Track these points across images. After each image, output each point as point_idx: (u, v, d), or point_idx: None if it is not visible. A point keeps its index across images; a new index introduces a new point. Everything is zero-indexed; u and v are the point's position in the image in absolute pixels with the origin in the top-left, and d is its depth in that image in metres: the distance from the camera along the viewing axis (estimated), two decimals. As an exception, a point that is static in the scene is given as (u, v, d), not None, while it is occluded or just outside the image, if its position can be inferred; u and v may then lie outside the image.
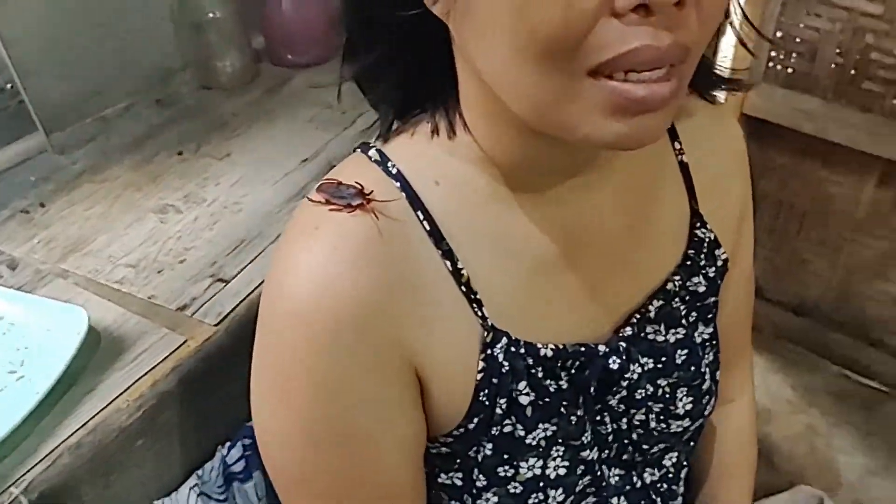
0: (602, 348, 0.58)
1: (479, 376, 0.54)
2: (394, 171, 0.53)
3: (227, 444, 0.73)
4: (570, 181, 0.55)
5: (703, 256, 0.63)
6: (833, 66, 1.45)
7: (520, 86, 0.44)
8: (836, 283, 1.62)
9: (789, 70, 1.51)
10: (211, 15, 1.03)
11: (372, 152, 0.55)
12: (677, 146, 0.62)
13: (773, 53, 1.53)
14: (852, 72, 1.43)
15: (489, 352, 0.53)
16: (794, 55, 1.49)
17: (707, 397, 0.63)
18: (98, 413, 0.63)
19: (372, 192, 0.52)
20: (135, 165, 0.92)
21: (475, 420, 0.55)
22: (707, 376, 0.63)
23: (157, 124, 1.00)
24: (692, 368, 0.61)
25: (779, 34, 1.49)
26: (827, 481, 1.39)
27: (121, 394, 0.65)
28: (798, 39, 1.47)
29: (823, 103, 1.47)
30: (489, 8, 0.42)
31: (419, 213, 0.52)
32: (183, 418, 0.69)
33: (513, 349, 0.54)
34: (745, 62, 1.50)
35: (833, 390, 1.57)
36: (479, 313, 0.53)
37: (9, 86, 0.89)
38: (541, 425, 0.56)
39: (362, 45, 0.53)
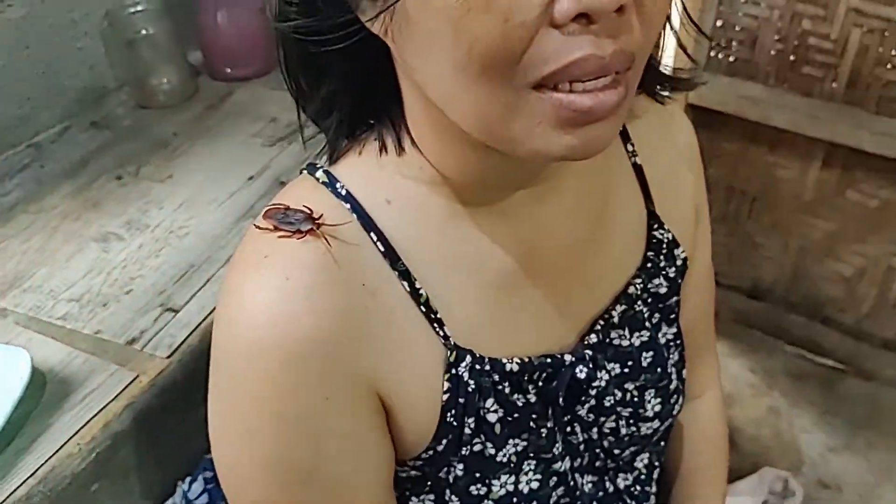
0: (568, 358, 0.57)
1: (445, 397, 0.52)
2: (343, 192, 0.52)
3: (188, 478, 0.70)
4: (523, 193, 0.54)
5: (662, 257, 0.62)
6: (773, 52, 1.47)
7: (464, 103, 0.43)
8: (789, 264, 1.65)
9: (731, 58, 1.52)
10: (143, 31, 0.99)
11: (319, 174, 0.53)
12: (630, 148, 0.62)
13: (714, 42, 1.54)
14: (792, 57, 1.45)
15: (453, 371, 0.52)
16: (735, 43, 1.51)
17: (675, 397, 0.63)
18: (48, 460, 0.60)
19: (322, 215, 0.50)
20: (72, 193, 0.89)
21: (444, 441, 0.53)
22: (674, 376, 0.63)
23: (94, 148, 0.97)
24: (658, 370, 0.61)
25: (719, 23, 1.50)
26: (790, 460, 1.41)
27: (71, 437, 0.62)
28: (738, 28, 1.49)
29: (766, 89, 1.49)
30: (427, 25, 0.40)
31: (372, 234, 0.51)
32: (140, 457, 0.66)
33: (477, 367, 0.53)
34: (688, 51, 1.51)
35: (792, 371, 1.59)
36: (441, 333, 0.52)
37: (-69, 117, 0.85)
38: (511, 441, 0.55)
39: (310, 85, 0.51)
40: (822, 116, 1.41)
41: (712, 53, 1.55)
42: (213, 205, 0.86)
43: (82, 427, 0.63)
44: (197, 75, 1.10)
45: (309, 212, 0.50)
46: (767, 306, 1.69)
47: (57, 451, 0.61)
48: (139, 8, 0.99)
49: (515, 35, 0.38)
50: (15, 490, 0.58)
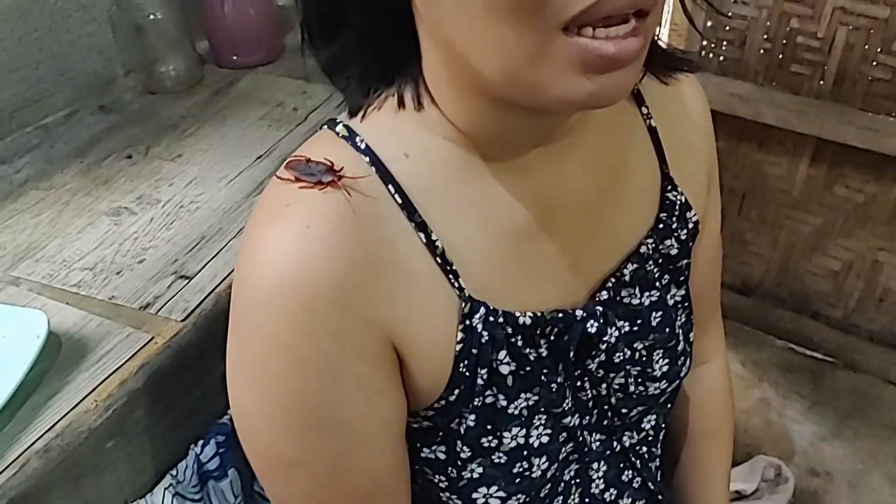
0: (580, 313, 0.58)
1: (459, 347, 0.53)
2: (362, 146, 0.53)
3: (201, 441, 0.71)
4: (539, 150, 0.55)
5: (674, 219, 0.63)
6: (762, 51, 1.51)
7: (492, 47, 0.44)
8: (778, 260, 1.68)
9: (721, 58, 1.56)
10: (151, 17, 1.01)
11: (339, 128, 0.54)
12: (644, 111, 0.63)
13: (704, 42, 1.58)
14: (780, 56, 1.49)
15: (468, 322, 0.53)
16: (724, 43, 1.55)
17: (682, 358, 0.64)
18: (65, 415, 0.61)
19: (342, 168, 0.51)
20: (82, 171, 0.90)
21: (456, 392, 0.54)
22: (681, 338, 0.64)
23: (103, 130, 0.98)
24: (667, 330, 0.62)
25: (709, 23, 1.54)
26: (782, 450, 1.44)
27: (88, 394, 0.63)
28: (728, 27, 1.53)
29: (755, 87, 1.53)
30: None
31: (390, 186, 0.52)
32: (154, 417, 0.67)
33: (491, 319, 0.54)
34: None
35: (781, 364, 1.62)
36: (456, 284, 0.53)
37: (-55, 93, 0.86)
38: (523, 394, 0.56)
39: (325, 36, 0.53)
40: (809, 113, 1.45)
41: (703, 53, 1.59)
42: (223, 182, 0.88)
43: (98, 385, 0.64)
44: (203, 62, 1.12)
45: (330, 164, 0.52)
46: (757, 301, 1.72)
47: (74, 407, 0.62)
48: (147, -7, 1.01)
49: None
50: (34, 443, 0.59)
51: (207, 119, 1.00)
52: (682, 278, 0.65)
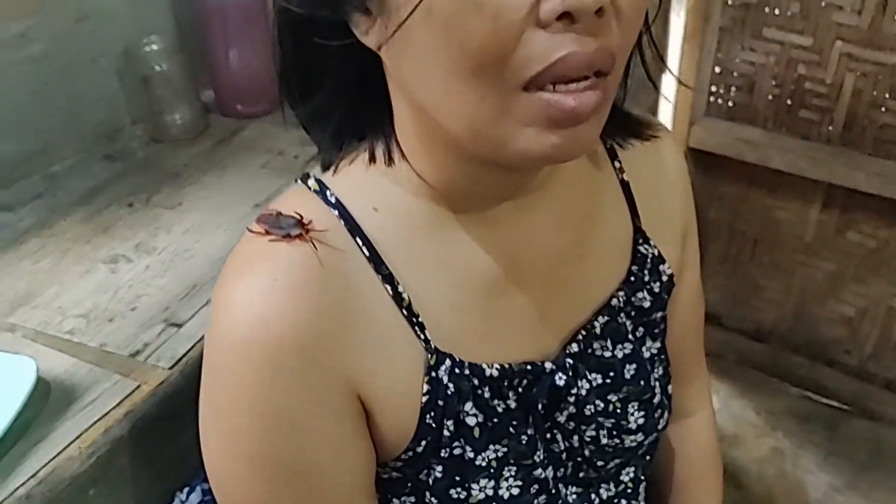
0: (549, 366, 0.58)
1: (425, 399, 0.54)
2: (332, 199, 0.54)
3: (186, 489, 0.71)
4: (509, 203, 0.56)
5: (646, 272, 0.64)
6: (770, 97, 1.51)
7: (456, 106, 0.45)
8: (791, 306, 1.65)
9: (730, 103, 1.56)
10: (158, 69, 1.04)
11: (311, 182, 0.56)
12: (617, 165, 0.64)
13: (713, 88, 1.58)
14: (788, 101, 1.49)
15: (433, 374, 0.54)
16: (733, 88, 1.55)
17: (659, 411, 0.64)
18: (48, 462, 0.62)
19: (311, 221, 0.53)
20: (84, 219, 0.92)
21: (423, 443, 0.55)
22: (658, 390, 0.64)
23: (107, 179, 1.00)
24: (641, 383, 0.62)
25: (717, 69, 1.55)
26: (795, 501, 1.40)
27: (72, 441, 0.64)
28: (736, 73, 1.53)
29: (764, 133, 1.52)
30: (423, 32, 0.43)
31: (358, 239, 0.53)
32: (138, 465, 0.68)
33: (457, 370, 0.54)
34: (687, 97, 1.55)
35: (796, 412, 1.59)
36: (422, 336, 0.54)
37: (-47, 145, 0.89)
38: (491, 446, 0.56)
39: (303, 92, 0.55)
40: (819, 158, 1.44)
41: (711, 98, 1.59)
42: (219, 230, 0.89)
43: (83, 432, 0.64)
44: (208, 112, 1.14)
45: (299, 217, 0.53)
46: (771, 347, 1.69)
47: (57, 454, 0.63)
48: (154, 46, 1.04)
49: (505, 34, 0.41)
50: (15, 490, 0.60)
51: (210, 167, 1.02)
52: (656, 331, 0.65)
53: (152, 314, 0.77)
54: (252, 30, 1.08)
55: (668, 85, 1.59)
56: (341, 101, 0.54)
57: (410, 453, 0.55)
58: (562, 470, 0.62)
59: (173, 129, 1.08)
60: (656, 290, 0.64)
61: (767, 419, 1.57)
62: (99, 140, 1.07)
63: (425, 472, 0.56)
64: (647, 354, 0.64)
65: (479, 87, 0.43)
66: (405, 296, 0.53)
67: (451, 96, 0.45)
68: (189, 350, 0.72)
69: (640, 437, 0.63)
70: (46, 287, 0.81)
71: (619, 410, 0.61)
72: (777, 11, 1.41)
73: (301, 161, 1.02)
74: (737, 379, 1.64)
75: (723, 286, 1.71)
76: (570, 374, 0.59)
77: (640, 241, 0.64)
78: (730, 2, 1.45)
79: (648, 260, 0.64)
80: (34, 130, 0.99)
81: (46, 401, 0.67)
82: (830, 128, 1.46)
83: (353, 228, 0.53)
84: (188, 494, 0.71)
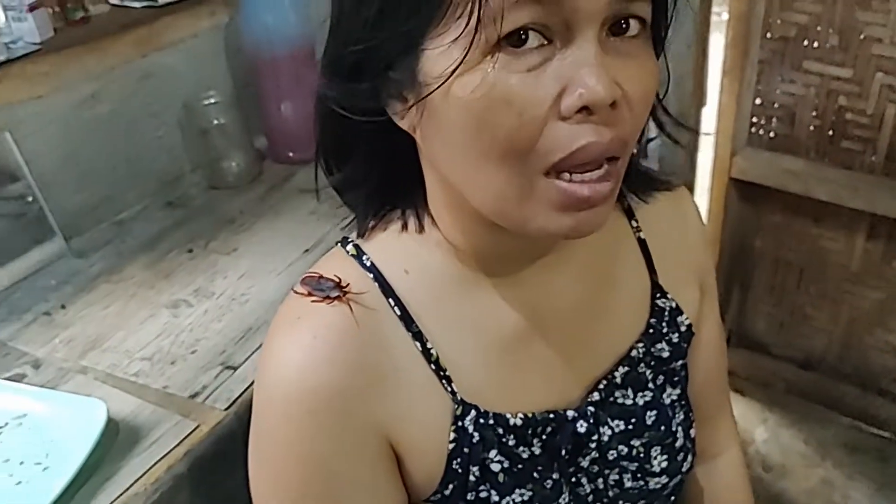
0: (571, 414, 0.62)
1: (451, 446, 0.58)
2: (368, 263, 0.59)
3: (241, 523, 0.76)
4: (531, 265, 0.60)
5: (665, 324, 0.67)
6: (812, 128, 1.51)
7: (484, 186, 0.50)
8: (839, 335, 1.64)
9: (771, 134, 1.57)
10: (216, 122, 1.11)
11: (350, 247, 0.61)
12: (634, 224, 0.68)
13: (755, 119, 1.60)
14: (830, 132, 1.49)
15: (459, 424, 0.58)
16: (774, 119, 1.56)
17: (682, 454, 0.67)
18: (117, 498, 0.68)
19: (348, 284, 0.58)
20: (148, 264, 0.99)
21: (450, 486, 0.59)
22: (679, 434, 0.66)
23: (169, 225, 1.07)
24: (662, 428, 0.65)
25: (758, 101, 1.56)
26: (844, 535, 1.39)
27: (138, 478, 0.69)
28: (776, 105, 1.54)
29: (807, 163, 1.53)
30: (453, 119, 0.48)
31: (391, 300, 0.58)
32: (197, 500, 0.73)
33: (482, 420, 0.58)
34: (728, 127, 1.57)
35: (846, 442, 1.57)
36: (449, 388, 0.58)
37: (29, 197, 0.97)
38: (517, 490, 0.59)
39: (338, 161, 0.59)
40: (861, 188, 1.44)
41: (752, 130, 1.60)
42: (272, 274, 0.95)
43: (148, 470, 0.70)
44: (262, 159, 1.21)
45: (338, 280, 0.58)
46: (819, 376, 1.68)
47: (125, 490, 0.68)
48: (212, 100, 1.11)
49: (529, 126, 0.46)
50: (87, 525, 0.66)
51: (263, 213, 1.08)
52: (676, 378, 0.67)
53: (210, 357, 0.83)
54: (301, 81, 1.15)
55: (709, 117, 1.61)
56: (373, 171, 0.59)
57: (438, 496, 0.59)
58: None
59: (229, 175, 1.15)
60: (675, 340, 0.67)
61: (817, 449, 1.56)
62: (161, 188, 1.15)
63: None
64: (667, 401, 0.67)
65: (505, 171, 0.48)
66: (433, 351, 0.58)
67: (479, 178, 0.50)
68: (243, 392, 0.78)
69: (664, 479, 0.66)
70: (115, 331, 0.88)
71: (642, 455, 0.64)
72: (816, 44, 1.42)
73: (346, 209, 1.07)
74: (785, 408, 1.64)
75: (770, 315, 1.71)
76: (592, 421, 0.62)
77: (658, 294, 0.67)
78: (769, 35, 1.46)
79: (666, 312, 0.67)
80: (103, 181, 1.07)
81: (115, 440, 0.73)
82: (873, 158, 1.45)
83: (387, 290, 0.58)
84: (243, 527, 0.76)
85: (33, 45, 0.98)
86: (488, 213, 0.52)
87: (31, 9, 0.97)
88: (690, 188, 1.68)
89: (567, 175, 0.48)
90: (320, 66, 0.55)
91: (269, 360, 0.56)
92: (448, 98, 0.47)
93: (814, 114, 1.50)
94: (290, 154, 1.19)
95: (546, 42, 0.45)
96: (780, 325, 1.71)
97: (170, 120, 1.14)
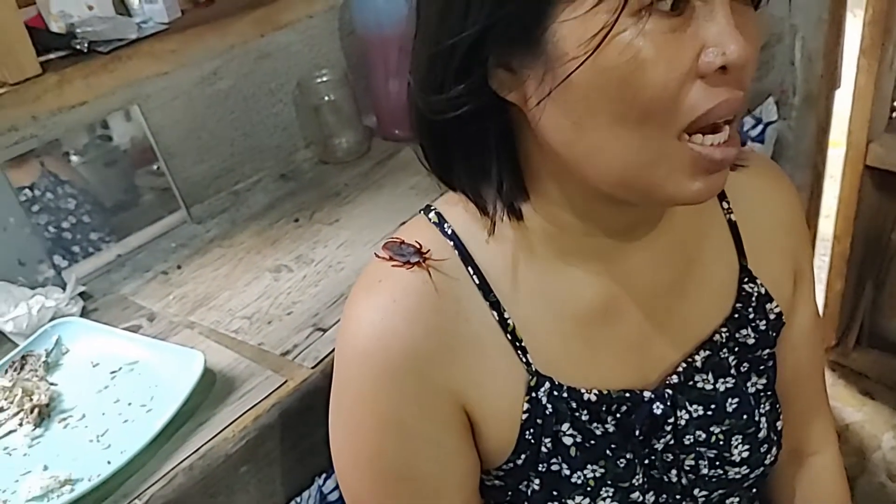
0: (647, 394, 0.61)
1: (524, 416, 0.59)
2: (449, 231, 0.60)
3: (324, 474, 0.80)
4: (615, 240, 0.60)
5: (751, 310, 0.64)
6: (958, 112, 1.40)
7: (614, 153, 0.50)
8: None
9: (911, 119, 1.46)
10: (327, 98, 1.16)
11: (432, 215, 0.62)
12: (725, 205, 0.66)
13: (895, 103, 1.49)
14: (978, 117, 1.37)
15: (533, 395, 0.59)
16: (914, 104, 1.45)
17: (766, 446, 0.64)
18: (208, 441, 0.73)
19: (429, 251, 0.59)
20: (258, 231, 1.05)
21: (523, 456, 0.59)
22: (763, 425, 0.64)
23: (280, 196, 1.13)
24: (744, 417, 0.63)
25: (897, 85, 1.46)
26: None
27: (228, 425, 0.74)
28: (917, 88, 1.43)
29: (950, 151, 1.42)
30: (591, 84, 0.48)
31: (469, 268, 0.59)
32: (283, 449, 0.77)
33: (556, 393, 0.59)
34: (865, 112, 1.47)
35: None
36: (524, 359, 0.59)
37: (155, 166, 1.05)
38: (588, 466, 0.60)
39: (436, 146, 0.60)
40: None
41: (893, 115, 1.50)
42: (368, 245, 0.98)
43: (237, 418, 0.75)
44: (371, 135, 1.25)
45: (419, 246, 0.60)
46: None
47: (216, 435, 0.74)
48: (324, 78, 1.16)
49: (672, 85, 0.47)
50: (181, 462, 0.71)
51: (367, 187, 1.12)
52: (762, 367, 0.65)
53: (303, 319, 0.87)
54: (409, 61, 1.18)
55: (842, 101, 1.52)
56: (471, 154, 0.58)
57: (511, 465, 0.60)
58: (664, 496, 0.64)
59: (339, 151, 1.20)
60: (762, 327, 0.65)
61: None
62: (276, 161, 1.21)
63: (524, 483, 0.61)
64: (751, 390, 0.64)
65: (640, 135, 0.49)
66: (510, 321, 0.59)
67: (611, 145, 0.50)
68: (330, 352, 0.81)
69: (744, 469, 0.64)
70: (221, 291, 0.94)
71: (721, 442, 0.63)
72: (964, 21, 1.32)
73: (447, 182, 1.10)
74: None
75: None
76: (668, 403, 0.61)
77: (746, 279, 0.65)
78: (911, 12, 1.36)
79: (754, 298, 0.65)
80: (222, 153, 1.14)
81: (211, 389, 0.79)
82: None
83: (466, 258, 0.59)
84: (325, 480, 0.80)
85: (162, 25, 1.06)
86: (612, 183, 0.52)
87: (162, -9, 1.06)
88: (818, 176, 1.59)
89: (699, 137, 0.49)
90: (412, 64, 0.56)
91: (349, 320, 0.59)
92: (590, 64, 0.47)
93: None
94: (397, 131, 1.23)
95: (685, 3, 0.47)
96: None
97: (285, 97, 1.20)
